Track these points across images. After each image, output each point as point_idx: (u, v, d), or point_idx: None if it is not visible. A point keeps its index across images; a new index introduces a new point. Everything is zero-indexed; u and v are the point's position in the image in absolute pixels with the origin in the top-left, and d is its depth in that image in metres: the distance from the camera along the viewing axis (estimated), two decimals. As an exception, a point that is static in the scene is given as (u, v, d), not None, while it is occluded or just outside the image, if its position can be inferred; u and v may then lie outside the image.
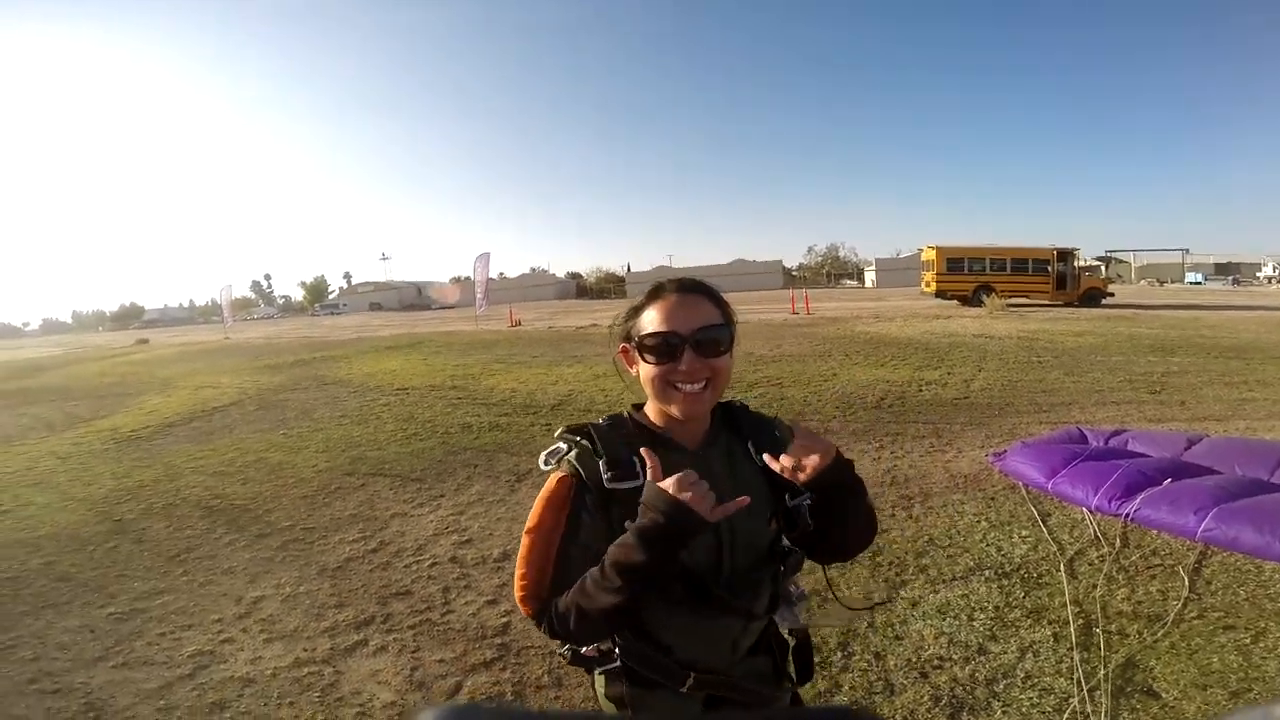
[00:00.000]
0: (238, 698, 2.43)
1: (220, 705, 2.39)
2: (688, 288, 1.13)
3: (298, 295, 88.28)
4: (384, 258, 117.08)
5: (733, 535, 1.11)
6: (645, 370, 1.11)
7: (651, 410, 1.16)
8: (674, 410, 1.10)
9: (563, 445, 1.12)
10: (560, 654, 1.20)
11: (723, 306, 1.15)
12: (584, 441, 1.11)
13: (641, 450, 1.03)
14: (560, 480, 1.08)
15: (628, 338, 1.15)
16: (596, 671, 1.20)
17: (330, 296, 76.90)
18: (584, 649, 1.18)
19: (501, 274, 67.53)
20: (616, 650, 1.16)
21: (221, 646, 2.80)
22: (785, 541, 1.21)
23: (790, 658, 1.27)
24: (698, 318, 1.09)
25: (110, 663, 2.72)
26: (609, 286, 60.87)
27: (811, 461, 1.03)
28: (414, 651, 2.69)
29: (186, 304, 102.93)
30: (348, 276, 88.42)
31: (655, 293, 1.14)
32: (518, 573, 1.08)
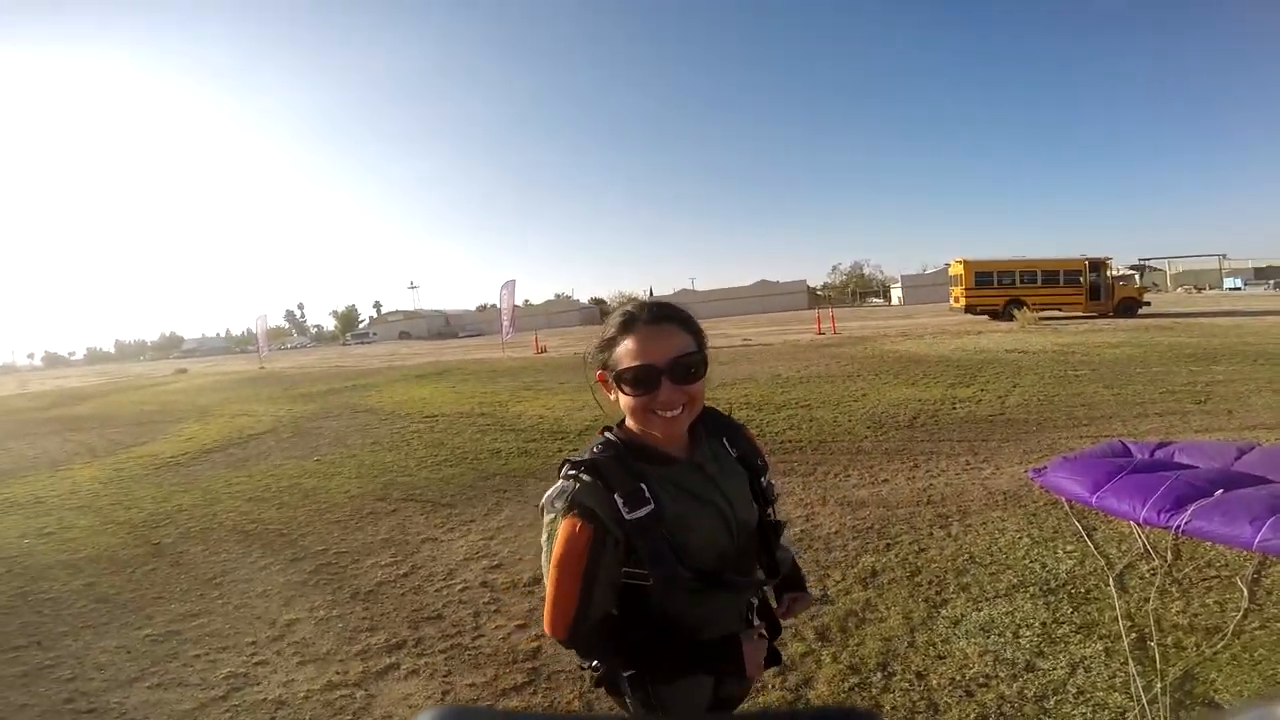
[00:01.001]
0: (270, 720, 2.43)
1: (253, 727, 2.40)
2: (659, 317, 1.17)
3: (330, 324, 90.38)
4: (412, 286, 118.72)
5: (735, 520, 1.21)
6: (625, 400, 1.16)
7: (635, 429, 1.21)
8: (655, 433, 1.17)
9: (569, 484, 1.14)
10: (585, 668, 1.26)
11: (695, 332, 1.19)
12: (588, 478, 1.13)
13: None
14: (581, 528, 1.10)
15: (604, 366, 1.20)
16: (626, 678, 1.23)
17: (361, 325, 78.56)
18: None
19: (527, 301, 68.46)
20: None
21: (255, 669, 2.81)
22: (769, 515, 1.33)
23: (755, 614, 1.39)
24: (671, 347, 1.13)
25: (145, 683, 2.75)
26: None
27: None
28: (445, 675, 2.67)
29: (223, 333, 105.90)
30: (377, 305, 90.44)
31: (627, 325, 1.17)
32: (547, 611, 1.15)
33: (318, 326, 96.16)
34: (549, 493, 1.17)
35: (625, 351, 1.14)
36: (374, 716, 2.42)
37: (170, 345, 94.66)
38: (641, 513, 1.10)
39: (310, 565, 4.00)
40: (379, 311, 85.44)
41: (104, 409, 14.92)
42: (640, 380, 1.12)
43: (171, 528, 5.00)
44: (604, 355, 1.19)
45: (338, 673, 2.73)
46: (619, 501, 1.10)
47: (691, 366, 1.14)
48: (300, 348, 66.21)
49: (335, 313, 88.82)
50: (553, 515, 1.15)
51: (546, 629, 1.16)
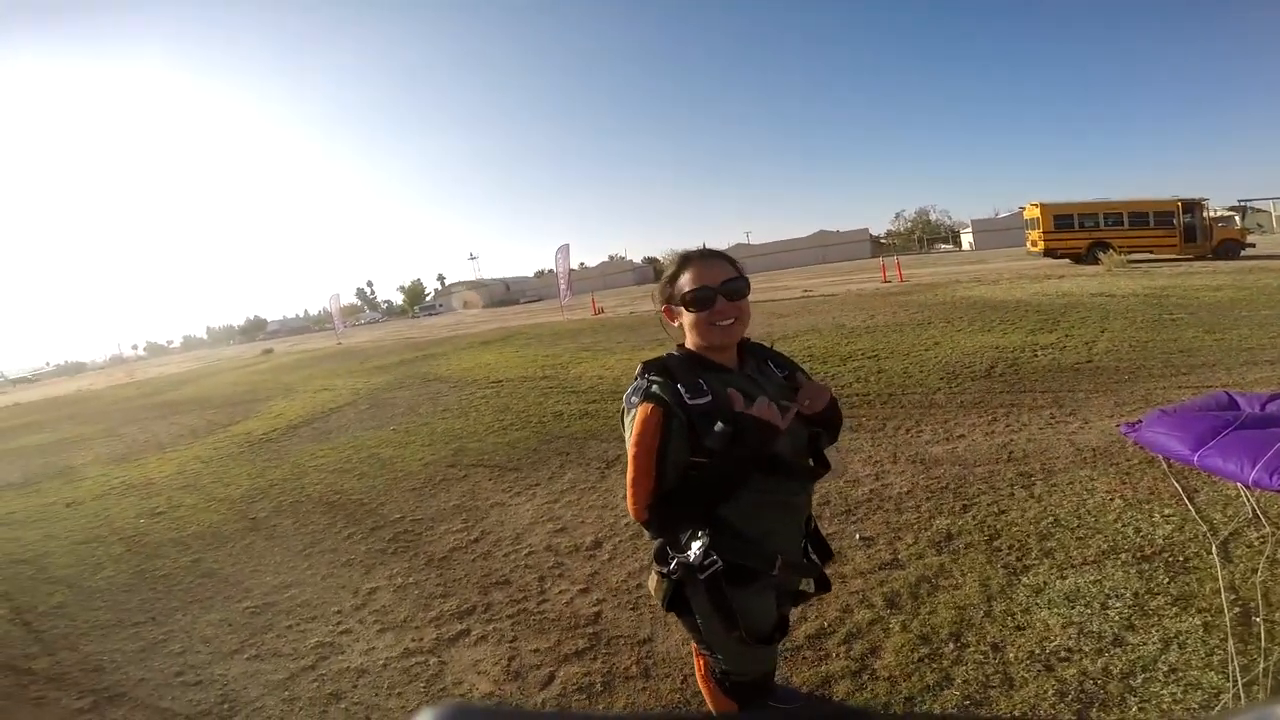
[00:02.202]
0: (352, 688, 2.57)
1: (337, 696, 2.54)
2: (708, 255, 1.51)
3: (398, 299, 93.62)
4: (472, 257, 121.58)
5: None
6: (690, 318, 1.46)
7: (693, 347, 1.51)
8: (716, 341, 1.46)
9: (643, 382, 1.42)
10: (664, 574, 1.52)
11: (736, 265, 1.52)
12: (658, 378, 1.41)
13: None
14: (653, 410, 1.37)
15: (669, 300, 1.51)
16: (704, 578, 1.46)
17: (427, 298, 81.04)
18: (692, 559, 1.45)
19: (582, 264, 68.61)
20: (713, 553, 1.44)
21: (340, 638, 2.98)
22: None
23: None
24: (721, 274, 1.46)
25: (245, 655, 2.95)
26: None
27: (818, 404, 1.49)
28: (511, 641, 2.75)
29: (301, 314, 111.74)
30: (441, 278, 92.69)
31: (685, 262, 1.49)
32: (628, 494, 1.40)
33: (388, 301, 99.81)
34: (627, 393, 1.44)
35: (686, 280, 1.46)
36: (446, 683, 2.53)
37: (255, 328, 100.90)
38: (701, 401, 1.37)
39: (389, 533, 4.19)
40: (443, 283, 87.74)
41: (202, 392, 16.07)
42: (701, 299, 1.44)
43: (266, 502, 5.35)
44: (668, 290, 1.51)
45: (413, 640, 2.86)
46: (682, 391, 1.38)
47: (739, 289, 1.47)
48: (373, 322, 69.08)
49: (402, 287, 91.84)
50: (631, 411, 1.41)
51: (630, 512, 1.41)
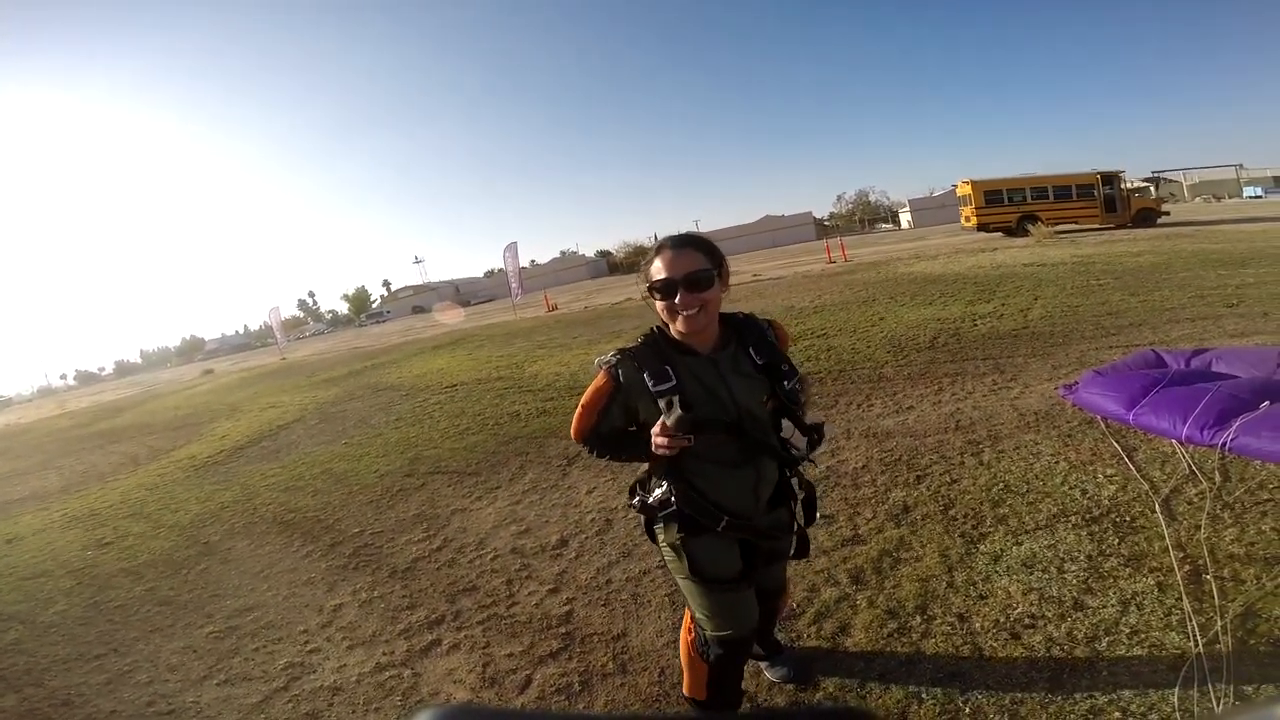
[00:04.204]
0: (328, 707, 2.50)
1: (313, 715, 2.47)
2: (679, 243, 1.58)
3: (343, 308, 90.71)
4: (417, 260, 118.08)
5: (738, 409, 1.57)
6: (658, 305, 1.57)
7: (672, 328, 1.61)
8: (681, 329, 1.57)
9: (612, 359, 1.59)
10: (631, 505, 1.73)
11: (710, 253, 1.58)
12: (626, 360, 1.57)
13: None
14: (605, 381, 1.60)
15: (647, 285, 1.60)
16: (659, 517, 1.67)
17: (373, 305, 78.75)
18: (650, 500, 1.67)
19: (533, 261, 67.96)
20: (673, 499, 1.63)
21: (309, 657, 2.89)
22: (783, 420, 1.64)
23: (800, 507, 1.79)
24: (686, 265, 1.53)
25: (214, 680, 2.85)
26: (639, 261, 60.65)
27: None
28: (484, 647, 2.71)
29: (241, 330, 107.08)
30: (386, 284, 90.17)
31: (658, 249, 1.59)
32: (574, 421, 1.68)
33: (332, 311, 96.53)
34: (597, 359, 1.63)
35: (655, 269, 1.56)
36: (422, 694, 2.48)
37: (193, 348, 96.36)
38: (664, 386, 1.52)
39: (349, 549, 4.08)
40: (389, 290, 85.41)
41: (141, 418, 15.20)
42: (663, 289, 1.53)
43: (217, 525, 5.14)
44: (645, 273, 1.60)
45: (384, 654, 2.80)
46: (647, 379, 1.53)
47: (703, 280, 1.52)
48: (318, 334, 66.65)
49: (346, 296, 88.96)
50: (596, 370, 1.63)
51: (572, 433, 1.69)
